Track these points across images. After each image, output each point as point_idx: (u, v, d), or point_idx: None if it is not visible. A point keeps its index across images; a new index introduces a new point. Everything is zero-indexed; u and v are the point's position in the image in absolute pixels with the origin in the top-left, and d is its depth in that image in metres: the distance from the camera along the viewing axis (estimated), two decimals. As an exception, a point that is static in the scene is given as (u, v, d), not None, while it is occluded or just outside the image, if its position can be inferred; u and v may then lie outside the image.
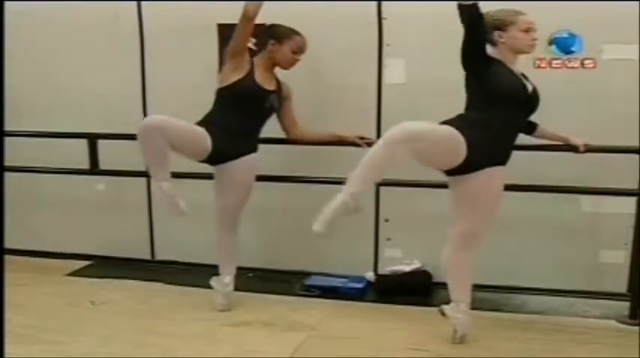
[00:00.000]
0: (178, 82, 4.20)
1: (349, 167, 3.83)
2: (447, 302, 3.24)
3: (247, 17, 3.32)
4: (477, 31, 2.89)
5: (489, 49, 3.07)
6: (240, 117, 3.54)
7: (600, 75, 3.58)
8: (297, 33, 3.59)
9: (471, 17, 2.84)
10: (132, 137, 3.75)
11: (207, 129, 3.46)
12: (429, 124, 2.92)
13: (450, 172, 3.06)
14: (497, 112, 3.02)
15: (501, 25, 3.02)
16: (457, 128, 2.95)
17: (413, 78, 3.85)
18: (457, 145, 2.93)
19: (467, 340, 3.21)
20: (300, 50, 3.59)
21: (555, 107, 3.59)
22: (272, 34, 3.58)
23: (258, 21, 3.55)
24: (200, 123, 3.51)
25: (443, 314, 3.21)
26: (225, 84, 3.52)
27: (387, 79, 3.92)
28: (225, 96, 3.54)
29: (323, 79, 3.96)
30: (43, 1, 4.29)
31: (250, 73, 3.52)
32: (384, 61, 3.91)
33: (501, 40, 3.03)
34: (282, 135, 3.79)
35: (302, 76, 3.71)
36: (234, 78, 3.50)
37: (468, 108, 3.10)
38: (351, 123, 3.89)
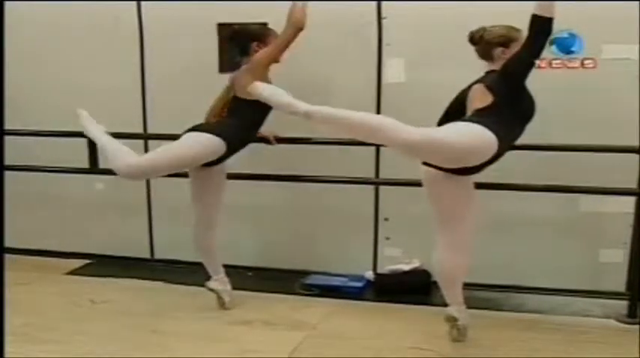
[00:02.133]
0: (177, 82, 4.20)
1: (349, 166, 3.86)
2: (446, 303, 3.24)
3: (299, 27, 3.38)
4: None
5: (486, 64, 3.12)
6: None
7: (599, 75, 3.58)
8: (264, 25, 3.61)
9: (551, 29, 2.86)
10: (131, 136, 3.78)
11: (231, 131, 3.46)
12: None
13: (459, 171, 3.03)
14: (515, 125, 3.05)
15: (506, 42, 3.05)
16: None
17: (412, 77, 3.86)
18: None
19: (466, 339, 3.23)
20: None
21: (554, 107, 3.60)
22: (252, 37, 3.55)
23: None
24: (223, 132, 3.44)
25: (454, 319, 3.19)
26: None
27: (386, 78, 3.92)
28: (254, 106, 3.35)
29: (322, 78, 3.96)
30: (43, 0, 4.29)
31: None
32: (383, 60, 3.91)
33: (504, 55, 3.06)
34: (282, 133, 3.79)
35: (301, 74, 3.71)
36: None
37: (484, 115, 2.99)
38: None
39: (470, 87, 3.16)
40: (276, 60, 3.50)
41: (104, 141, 3.41)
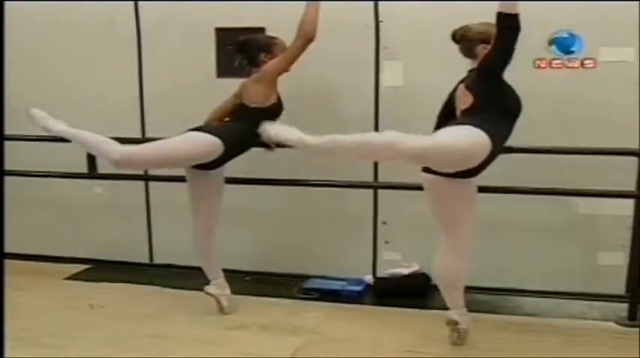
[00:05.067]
0: (175, 85, 4.20)
1: (348, 169, 3.85)
2: (446, 307, 3.24)
3: (309, 39, 3.38)
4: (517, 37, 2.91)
5: (469, 62, 3.14)
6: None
7: (597, 77, 3.58)
8: (273, 37, 3.62)
9: (518, 25, 2.86)
10: (130, 140, 3.77)
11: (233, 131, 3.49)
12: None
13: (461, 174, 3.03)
14: (503, 123, 3.04)
15: (486, 39, 3.05)
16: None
17: (410, 80, 3.86)
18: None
19: (465, 341, 3.22)
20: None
21: (551, 109, 3.61)
22: (261, 48, 3.56)
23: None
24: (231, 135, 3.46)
25: (455, 323, 3.20)
26: (267, 104, 3.52)
27: (384, 81, 3.92)
28: (261, 115, 3.44)
29: (320, 81, 3.96)
30: (43, 1, 4.29)
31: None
32: (381, 63, 3.91)
33: (485, 52, 3.06)
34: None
35: (299, 78, 3.70)
36: (275, 98, 3.53)
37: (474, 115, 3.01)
38: (349, 125, 3.88)
39: (456, 88, 3.17)
40: (285, 70, 3.51)
41: (81, 134, 3.36)
